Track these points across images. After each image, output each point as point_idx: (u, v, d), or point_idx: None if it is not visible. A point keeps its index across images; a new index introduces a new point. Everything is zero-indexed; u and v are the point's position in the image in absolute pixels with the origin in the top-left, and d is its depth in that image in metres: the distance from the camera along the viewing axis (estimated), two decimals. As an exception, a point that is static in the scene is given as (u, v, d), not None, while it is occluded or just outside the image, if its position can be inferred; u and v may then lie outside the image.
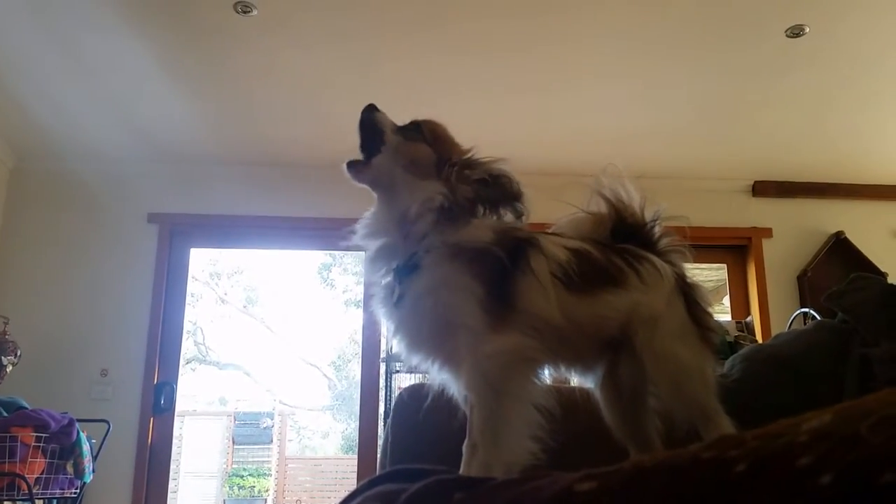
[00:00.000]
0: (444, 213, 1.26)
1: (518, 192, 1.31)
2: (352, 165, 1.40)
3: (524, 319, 1.19)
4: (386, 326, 1.33)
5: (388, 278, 1.29)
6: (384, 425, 4.35)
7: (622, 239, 1.41)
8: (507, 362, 1.15)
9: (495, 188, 1.29)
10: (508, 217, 1.31)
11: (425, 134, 1.37)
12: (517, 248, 1.23)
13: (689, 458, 0.42)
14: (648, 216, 1.45)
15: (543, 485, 0.46)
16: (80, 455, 3.74)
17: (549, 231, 1.39)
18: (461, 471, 1.14)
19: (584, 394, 1.47)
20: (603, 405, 1.44)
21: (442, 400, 1.27)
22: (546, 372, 1.31)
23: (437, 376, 1.29)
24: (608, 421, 1.44)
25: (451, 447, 1.17)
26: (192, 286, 5.85)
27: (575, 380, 1.49)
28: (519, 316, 1.19)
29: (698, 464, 0.42)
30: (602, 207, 1.44)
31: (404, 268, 1.25)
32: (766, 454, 0.39)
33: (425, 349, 1.26)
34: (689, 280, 1.43)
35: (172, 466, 4.86)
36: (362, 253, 5.00)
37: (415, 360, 1.28)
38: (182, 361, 4.98)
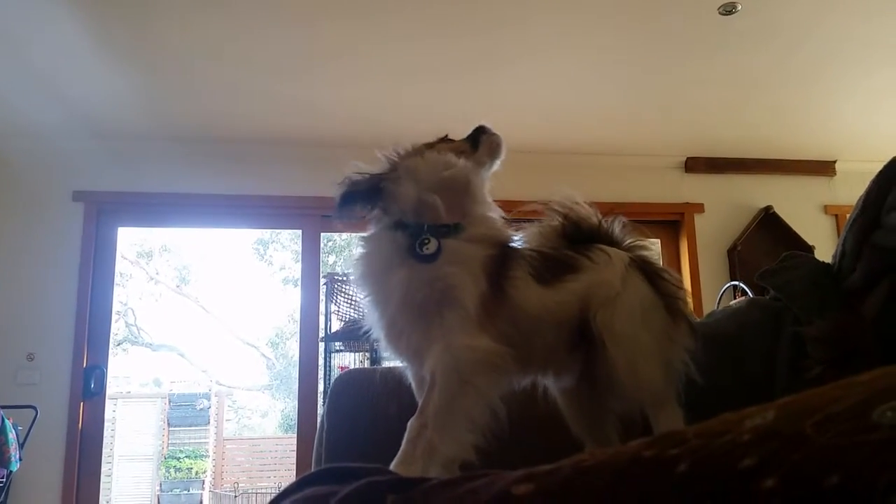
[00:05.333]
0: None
1: None
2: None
3: (509, 316, 1.24)
4: (374, 278, 1.31)
5: (402, 232, 1.29)
6: (323, 404, 4.31)
7: (583, 243, 1.43)
8: (480, 359, 1.18)
9: None
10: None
11: None
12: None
13: (629, 458, 0.41)
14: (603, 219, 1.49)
15: (479, 486, 0.44)
16: (6, 443, 3.63)
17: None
18: (402, 448, 1.13)
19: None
20: (563, 404, 1.45)
21: (379, 387, 1.25)
22: (513, 382, 1.34)
23: (396, 346, 1.28)
24: (568, 419, 1.44)
25: (388, 435, 1.15)
26: (121, 265, 5.69)
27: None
28: (505, 313, 1.23)
29: (639, 463, 0.40)
30: (555, 220, 1.48)
31: (443, 228, 1.28)
32: (707, 454, 0.38)
33: (411, 308, 1.24)
34: (651, 261, 1.45)
35: (106, 451, 4.75)
36: (300, 231, 4.84)
37: (390, 313, 1.27)
38: (113, 343, 4.85)
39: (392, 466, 1.09)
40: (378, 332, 1.30)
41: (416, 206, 1.30)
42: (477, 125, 1.48)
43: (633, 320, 1.30)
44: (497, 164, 1.45)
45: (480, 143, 1.44)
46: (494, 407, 1.19)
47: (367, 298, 1.30)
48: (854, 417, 0.35)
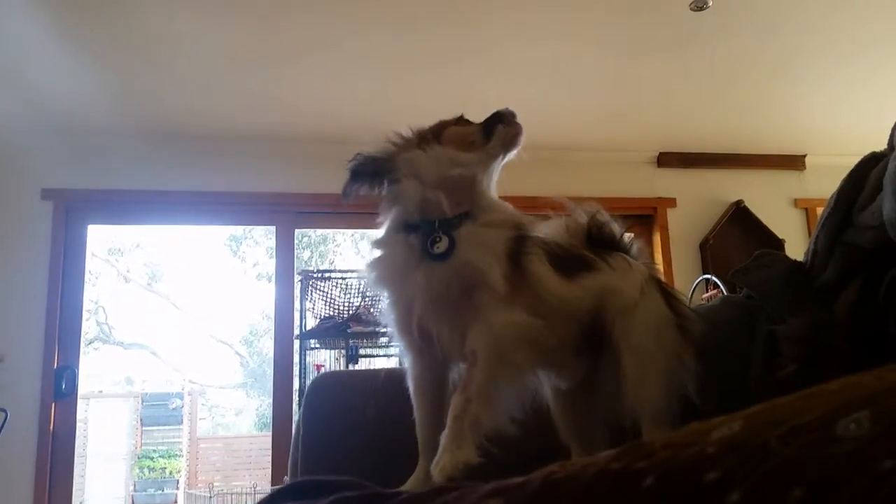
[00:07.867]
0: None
1: None
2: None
3: (532, 291, 1.24)
4: (393, 280, 1.29)
5: (412, 232, 1.27)
6: (298, 402, 4.29)
7: (603, 248, 1.42)
8: (519, 335, 1.19)
9: None
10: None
11: None
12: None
13: (597, 471, 0.41)
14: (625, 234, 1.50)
15: (450, 501, 0.44)
16: (-25, 446, 3.57)
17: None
18: (449, 425, 1.14)
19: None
20: (555, 408, 1.44)
21: (355, 390, 1.24)
22: (539, 370, 1.35)
23: (420, 344, 1.27)
24: (558, 423, 1.44)
25: (365, 439, 1.14)
26: (91, 263, 5.62)
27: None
28: (528, 289, 1.23)
29: (606, 476, 0.40)
30: (582, 218, 1.47)
31: (453, 220, 1.26)
32: (673, 467, 0.38)
33: (438, 304, 1.23)
34: (665, 282, 1.46)
35: (79, 450, 4.69)
36: (273, 227, 4.81)
37: (417, 313, 1.25)
38: (84, 342, 4.79)
39: (443, 443, 1.11)
40: (398, 331, 1.29)
41: (421, 205, 1.27)
42: (496, 110, 1.41)
43: (648, 334, 1.31)
44: (512, 155, 1.39)
45: (494, 134, 1.37)
46: (530, 381, 1.26)
47: (388, 301, 1.30)
48: (818, 429, 0.35)
